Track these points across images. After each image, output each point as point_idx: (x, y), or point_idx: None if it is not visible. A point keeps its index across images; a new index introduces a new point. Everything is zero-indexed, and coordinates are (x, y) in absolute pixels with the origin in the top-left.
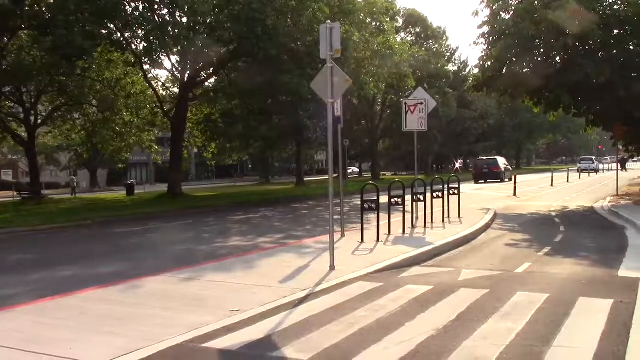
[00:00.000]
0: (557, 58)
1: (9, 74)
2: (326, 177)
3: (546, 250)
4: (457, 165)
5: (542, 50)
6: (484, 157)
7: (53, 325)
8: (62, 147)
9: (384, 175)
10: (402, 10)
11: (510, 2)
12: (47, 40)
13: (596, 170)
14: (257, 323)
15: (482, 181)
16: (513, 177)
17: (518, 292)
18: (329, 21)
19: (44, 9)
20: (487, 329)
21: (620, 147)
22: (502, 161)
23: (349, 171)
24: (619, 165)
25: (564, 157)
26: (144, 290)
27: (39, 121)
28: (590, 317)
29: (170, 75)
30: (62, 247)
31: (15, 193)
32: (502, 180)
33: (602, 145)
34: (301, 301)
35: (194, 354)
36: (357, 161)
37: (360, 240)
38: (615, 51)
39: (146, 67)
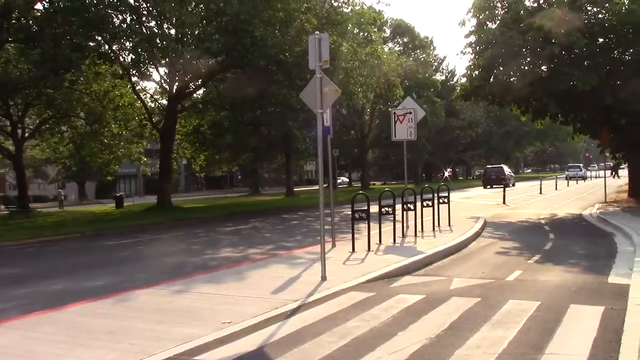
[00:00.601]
0: (544, 67)
1: None
2: (316, 187)
3: (536, 257)
4: (447, 173)
5: (528, 59)
6: (492, 166)
7: (43, 340)
8: (50, 160)
9: (374, 184)
10: (389, 21)
11: (497, 12)
12: (35, 53)
13: (584, 178)
14: (249, 335)
15: (490, 186)
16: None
17: (509, 300)
18: (317, 32)
19: (31, 21)
20: (479, 338)
21: (607, 155)
22: (507, 169)
23: (339, 181)
24: (612, 172)
25: (552, 165)
26: (135, 303)
27: (27, 134)
28: (582, 324)
29: (158, 87)
30: (51, 260)
31: (2, 207)
32: (507, 185)
33: (589, 152)
34: (293, 312)
35: None
36: (347, 171)
37: (351, 250)
38: (601, 59)
39: (134, 79)
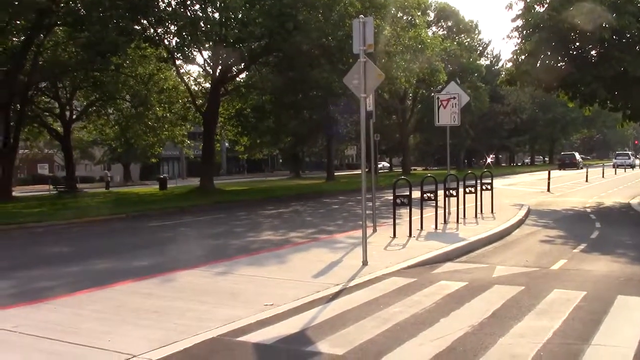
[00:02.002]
0: (593, 52)
1: (45, 70)
2: (356, 171)
3: (582, 247)
4: (489, 160)
5: (577, 43)
6: (566, 153)
7: (91, 318)
8: (97, 142)
9: (415, 170)
10: (433, 4)
11: None
12: (82, 37)
13: (632, 166)
14: (291, 317)
15: (564, 169)
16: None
17: (554, 290)
18: (361, 15)
19: (78, 5)
20: (523, 327)
21: None
22: (577, 155)
23: (379, 166)
24: None
25: (592, 154)
26: (179, 283)
27: (74, 116)
28: (630, 315)
29: (202, 70)
30: (97, 240)
31: (51, 187)
32: (579, 168)
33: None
34: (335, 296)
35: (229, 348)
36: (387, 156)
37: (392, 236)
38: None
39: (178, 62)
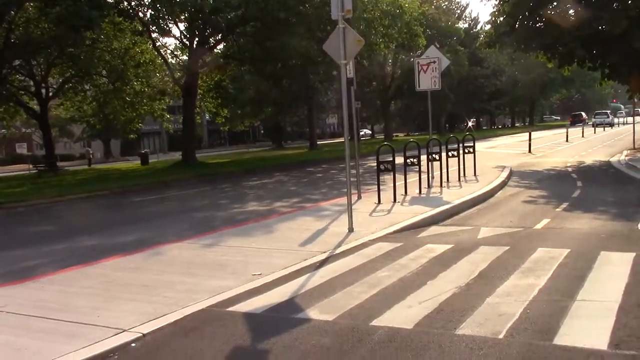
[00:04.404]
0: (571, 11)
1: (18, 47)
2: (338, 140)
3: (564, 205)
4: (470, 123)
5: (555, 3)
6: (576, 113)
7: (79, 294)
8: (75, 119)
9: (397, 136)
10: None
11: None
12: (54, 12)
13: (611, 125)
14: (279, 286)
15: (574, 125)
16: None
17: (538, 248)
18: None
19: None
20: (509, 285)
21: (637, 100)
22: (584, 114)
23: (361, 133)
24: None
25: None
26: (166, 257)
27: (50, 94)
28: (613, 270)
29: (179, 42)
30: (81, 217)
31: (31, 166)
32: (586, 124)
33: (616, 99)
34: (322, 263)
35: (220, 318)
36: (369, 123)
37: (377, 202)
38: (630, 1)
39: (154, 35)
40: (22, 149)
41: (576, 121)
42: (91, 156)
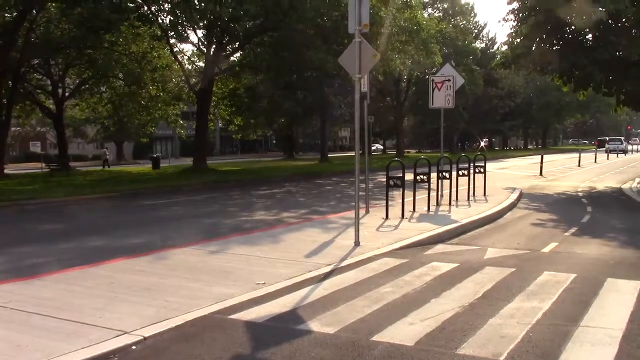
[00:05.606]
0: (589, 35)
1: (37, 46)
2: (349, 153)
3: (573, 230)
4: (483, 143)
5: (573, 27)
6: (602, 138)
7: (83, 294)
8: (89, 120)
9: (408, 152)
10: None
11: None
12: (75, 13)
13: (625, 151)
14: (282, 296)
15: (600, 147)
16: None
17: (545, 272)
18: None
19: None
20: (513, 308)
21: None
22: (608, 139)
23: (373, 148)
24: None
25: (577, 139)
26: (172, 261)
27: (67, 94)
28: (619, 298)
29: (196, 49)
30: (91, 218)
31: (43, 164)
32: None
33: (631, 125)
34: (326, 276)
35: (221, 325)
36: (381, 138)
37: (384, 217)
38: None
39: (172, 40)
40: (35, 147)
41: (602, 145)
42: (107, 157)
